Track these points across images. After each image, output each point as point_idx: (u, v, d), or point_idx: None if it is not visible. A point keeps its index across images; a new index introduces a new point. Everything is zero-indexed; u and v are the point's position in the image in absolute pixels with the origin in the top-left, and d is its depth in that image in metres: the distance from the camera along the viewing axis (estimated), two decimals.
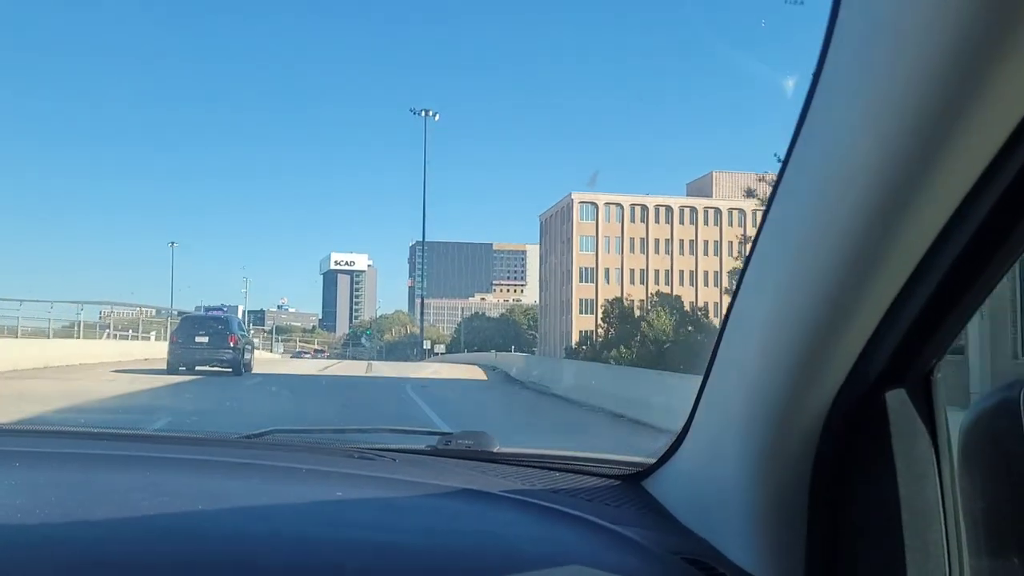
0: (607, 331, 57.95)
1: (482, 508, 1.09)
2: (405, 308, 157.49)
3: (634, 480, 1.25)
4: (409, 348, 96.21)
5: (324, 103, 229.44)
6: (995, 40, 0.57)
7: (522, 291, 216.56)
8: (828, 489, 0.88)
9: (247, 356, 21.01)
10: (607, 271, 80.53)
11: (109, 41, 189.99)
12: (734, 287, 0.97)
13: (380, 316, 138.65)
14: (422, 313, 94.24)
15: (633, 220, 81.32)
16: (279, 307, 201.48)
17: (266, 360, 37.66)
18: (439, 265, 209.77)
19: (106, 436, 1.40)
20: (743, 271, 0.94)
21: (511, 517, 1.05)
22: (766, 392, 0.89)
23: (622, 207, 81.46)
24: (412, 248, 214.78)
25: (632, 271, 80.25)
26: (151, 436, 1.43)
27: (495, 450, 1.41)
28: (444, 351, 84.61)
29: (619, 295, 63.65)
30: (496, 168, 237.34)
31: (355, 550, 0.89)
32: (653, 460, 1.24)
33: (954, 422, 0.88)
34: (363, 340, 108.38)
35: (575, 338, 73.56)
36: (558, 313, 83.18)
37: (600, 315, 63.58)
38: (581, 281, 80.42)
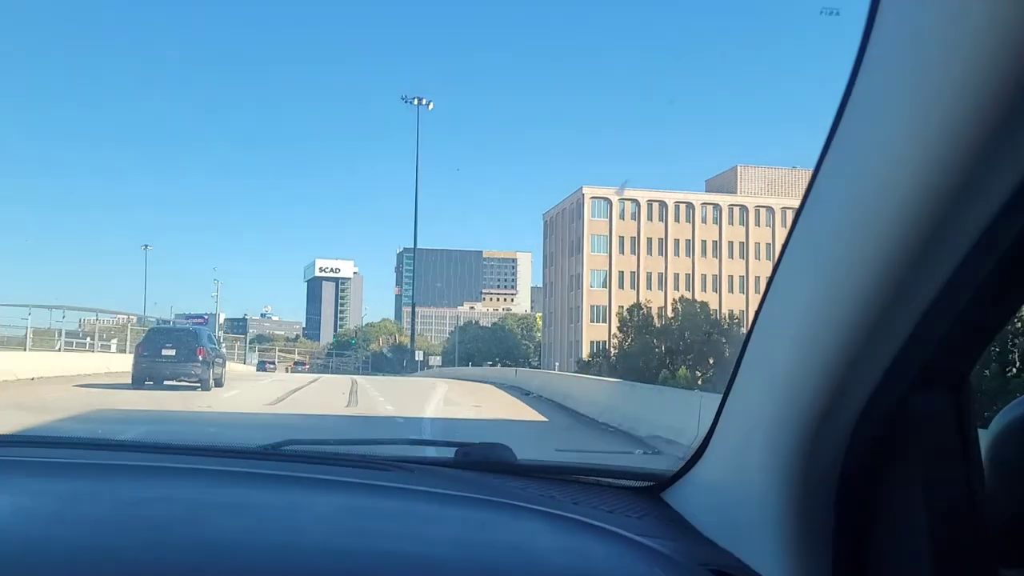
0: (624, 341, 52.20)
1: (507, 519, 1.12)
2: (392, 317, 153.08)
3: (655, 491, 1.30)
4: (398, 359, 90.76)
5: (309, 103, 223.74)
6: None
7: (513, 300, 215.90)
8: (856, 499, 0.89)
9: (217, 370, 20.55)
10: (621, 274, 75.36)
11: (80, 35, 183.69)
12: (762, 294, 1.00)
13: (366, 324, 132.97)
14: (413, 321, 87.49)
15: (651, 218, 76.78)
16: (263, 315, 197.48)
17: (239, 374, 34.96)
18: (427, 273, 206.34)
19: (115, 446, 1.43)
20: (771, 278, 0.96)
21: (536, 527, 1.07)
22: (795, 401, 0.90)
23: (638, 203, 77.42)
24: (399, 255, 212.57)
25: (650, 274, 74.62)
26: (165, 447, 1.43)
27: (515, 462, 1.43)
28: (440, 363, 78.47)
29: (636, 301, 57.85)
30: (489, 170, 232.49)
31: (383, 561, 0.90)
32: (674, 470, 1.27)
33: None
34: (348, 352, 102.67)
35: (586, 349, 68.23)
36: (565, 321, 78.61)
37: (616, 323, 57.89)
38: (593, 286, 74.70)
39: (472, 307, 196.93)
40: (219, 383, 20.27)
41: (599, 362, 54.68)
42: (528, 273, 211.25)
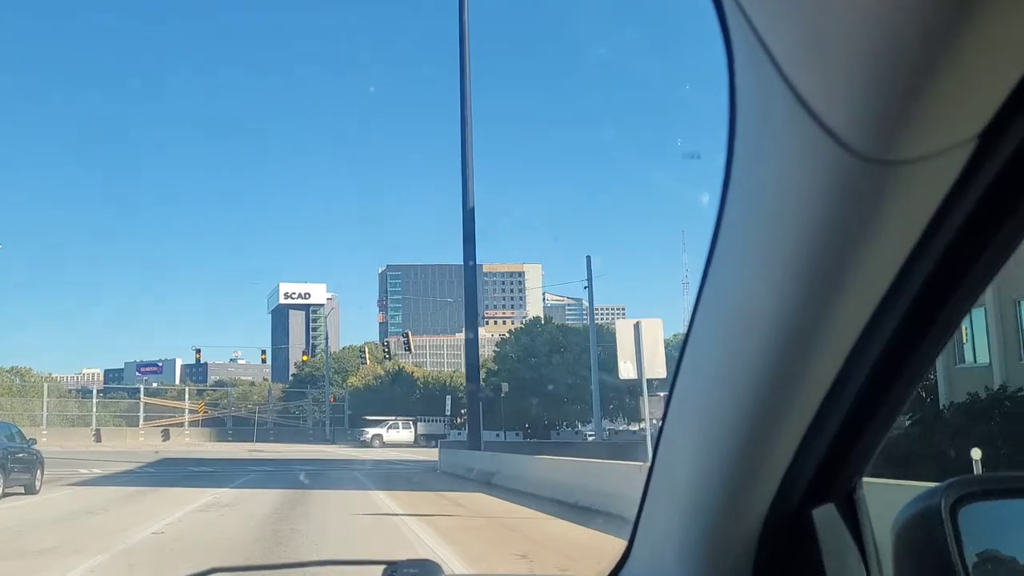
0: None
1: None
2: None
3: None
4: (393, 403, 58.57)
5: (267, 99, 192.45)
6: (867, 217, 0.69)
7: (522, 322, 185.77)
8: None
9: (27, 476, 17.83)
10: None
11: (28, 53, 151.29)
12: (661, 415, 1.06)
13: (344, 348, 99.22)
14: (472, 351, 51.09)
15: None
16: (232, 360, 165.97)
17: None
18: (416, 293, 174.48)
19: None
20: (667, 402, 1.01)
21: None
22: (697, 514, 0.96)
23: None
24: (382, 275, 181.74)
25: None
26: None
27: None
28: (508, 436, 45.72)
29: None
30: (484, 164, 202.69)
31: None
32: (605, 575, 1.29)
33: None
34: (314, 391, 68.55)
35: None
36: None
37: None
38: None
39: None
40: (33, 489, 17.97)
41: None
42: (538, 288, 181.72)
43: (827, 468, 0.90)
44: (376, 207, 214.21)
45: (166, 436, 54.84)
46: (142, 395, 62.04)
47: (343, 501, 16.82)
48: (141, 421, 57.61)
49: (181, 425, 57.83)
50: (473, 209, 30.99)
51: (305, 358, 73.93)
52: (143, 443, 50.19)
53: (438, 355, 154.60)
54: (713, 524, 0.94)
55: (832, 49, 0.62)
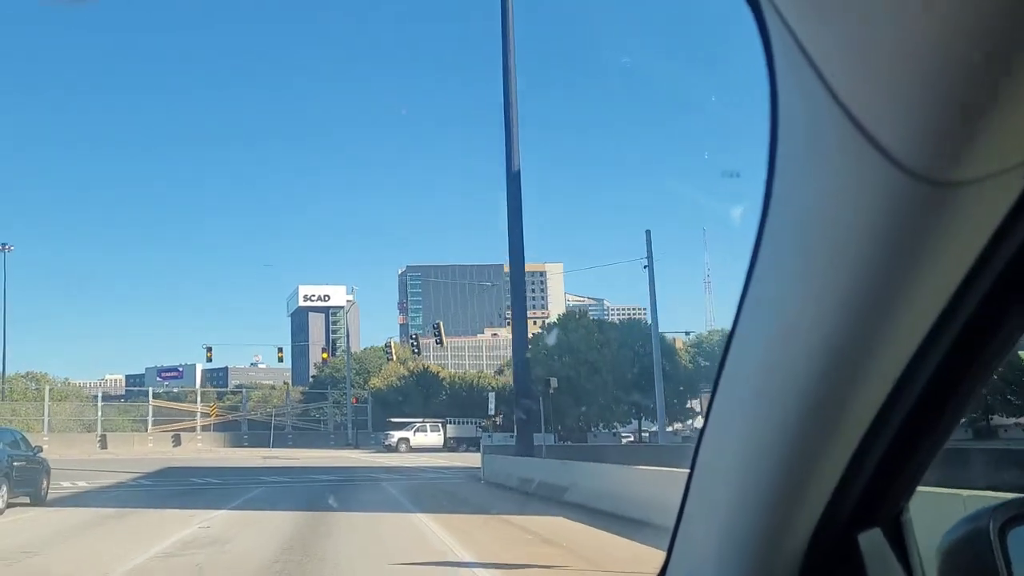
0: None
1: None
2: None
3: None
4: (419, 405, 54.24)
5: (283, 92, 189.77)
6: (916, 246, 0.68)
7: (544, 322, 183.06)
8: None
9: (30, 486, 16.64)
10: None
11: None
12: (697, 434, 1.03)
13: (365, 349, 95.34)
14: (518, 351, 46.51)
15: None
16: (252, 364, 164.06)
17: None
18: (436, 294, 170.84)
19: None
20: (707, 413, 0.99)
21: None
22: (737, 535, 0.93)
23: None
24: (402, 276, 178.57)
25: None
26: None
27: None
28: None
29: None
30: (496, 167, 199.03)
31: None
32: None
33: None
34: (334, 391, 64.11)
35: None
36: None
37: None
38: None
39: (495, 333, 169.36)
40: (39, 499, 16.83)
41: None
42: (560, 287, 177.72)
43: (873, 491, 0.88)
44: (395, 208, 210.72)
45: (177, 442, 50.94)
46: (151, 398, 57.10)
47: (378, 532, 12.68)
48: (150, 426, 53.48)
49: (193, 430, 53.79)
50: (520, 207, 30.24)
51: (325, 356, 69.64)
52: (151, 449, 46.58)
53: (459, 357, 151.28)
54: (754, 547, 0.91)
55: (885, 66, 0.60)
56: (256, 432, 52.77)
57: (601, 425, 56.38)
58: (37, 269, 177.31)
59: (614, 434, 59.00)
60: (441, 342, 48.31)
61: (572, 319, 56.70)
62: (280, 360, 51.22)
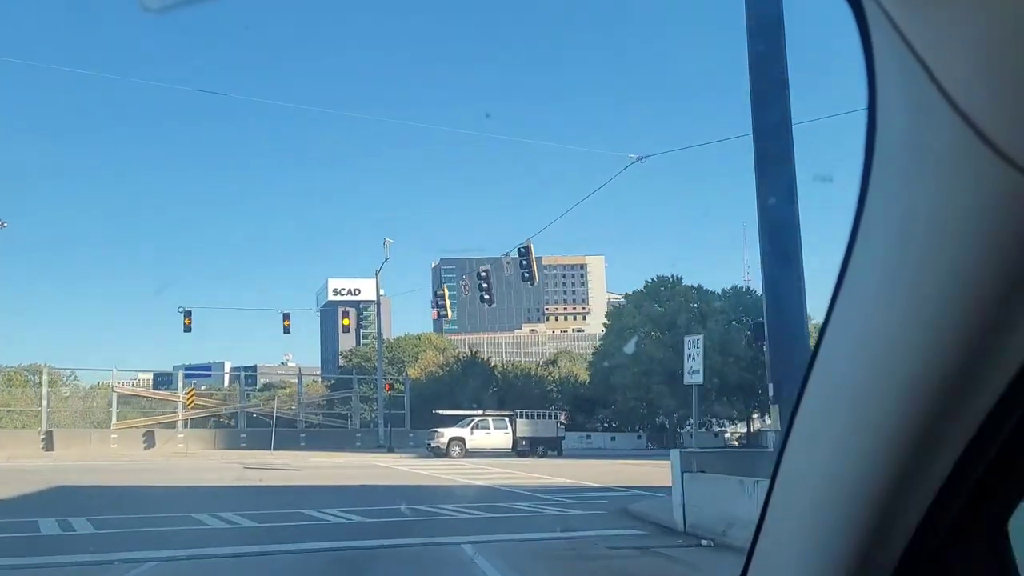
0: None
1: None
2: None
3: None
4: (465, 398, 41.98)
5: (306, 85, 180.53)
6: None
7: (585, 318, 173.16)
8: None
9: None
10: None
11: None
12: (782, 436, 0.98)
13: (399, 337, 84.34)
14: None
15: None
16: (282, 363, 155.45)
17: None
18: (473, 287, 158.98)
19: None
20: (789, 423, 0.94)
21: None
22: (825, 555, 0.89)
23: None
24: (435, 270, 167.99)
25: None
26: None
27: None
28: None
29: None
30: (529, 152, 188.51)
31: None
32: None
33: None
34: (369, 377, 52.20)
35: None
36: None
37: None
38: None
39: (533, 329, 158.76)
40: None
41: None
42: (601, 282, 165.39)
43: (973, 504, 0.83)
44: (428, 200, 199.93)
45: (149, 442, 39.36)
46: (113, 383, 43.51)
47: None
48: (114, 420, 41.90)
49: (173, 426, 42.37)
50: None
51: (346, 322, 55.53)
52: (113, 452, 35.85)
53: (496, 354, 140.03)
54: (844, 563, 0.87)
55: (999, 56, 0.56)
56: (258, 431, 40.69)
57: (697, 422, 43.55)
58: (73, 267, 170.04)
59: (716, 435, 46.30)
60: (491, 300, 35.57)
61: (664, 284, 44.20)
62: (287, 331, 39.96)
